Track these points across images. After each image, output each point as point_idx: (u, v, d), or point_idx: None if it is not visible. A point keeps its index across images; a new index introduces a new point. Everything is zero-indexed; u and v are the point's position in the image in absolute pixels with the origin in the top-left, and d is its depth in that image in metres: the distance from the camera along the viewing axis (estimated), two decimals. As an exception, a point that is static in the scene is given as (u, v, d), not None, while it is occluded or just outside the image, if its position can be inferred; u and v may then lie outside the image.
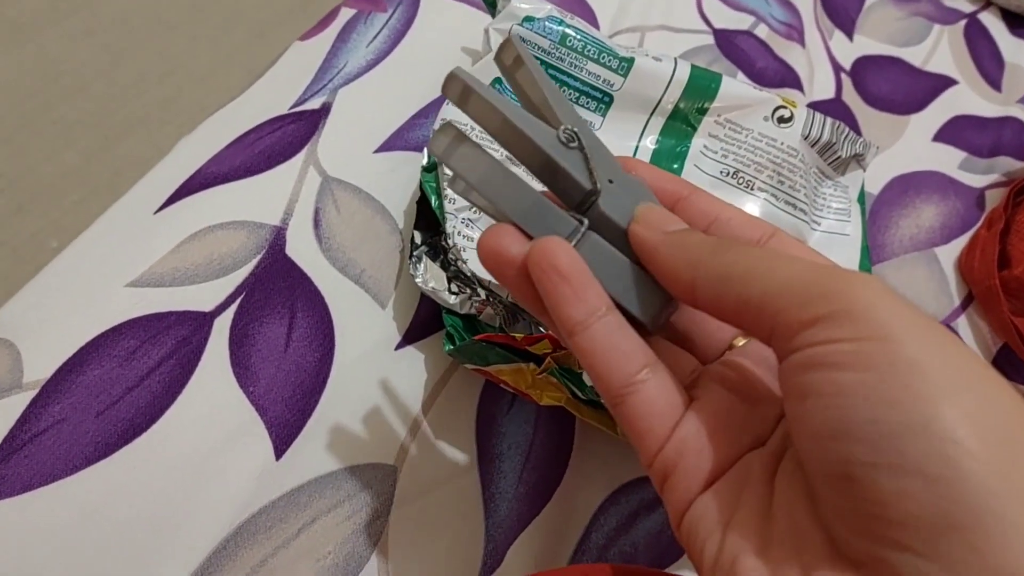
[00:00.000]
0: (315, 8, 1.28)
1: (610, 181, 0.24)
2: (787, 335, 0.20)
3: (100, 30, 1.20)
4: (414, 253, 0.39)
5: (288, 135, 0.45)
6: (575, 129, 0.24)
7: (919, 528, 0.17)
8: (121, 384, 0.36)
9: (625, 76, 0.43)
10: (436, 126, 0.40)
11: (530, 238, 0.23)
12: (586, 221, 0.23)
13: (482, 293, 0.37)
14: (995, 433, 0.17)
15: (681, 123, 0.45)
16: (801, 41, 0.59)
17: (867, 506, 0.18)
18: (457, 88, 0.23)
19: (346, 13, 0.51)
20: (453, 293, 0.38)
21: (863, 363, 0.18)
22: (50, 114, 1.11)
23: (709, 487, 0.22)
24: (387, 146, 0.45)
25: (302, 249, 0.41)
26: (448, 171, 0.26)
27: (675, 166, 0.44)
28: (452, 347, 0.37)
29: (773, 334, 0.20)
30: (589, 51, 0.43)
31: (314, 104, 0.46)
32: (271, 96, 0.47)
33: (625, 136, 0.44)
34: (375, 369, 0.40)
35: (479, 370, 0.38)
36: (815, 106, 0.56)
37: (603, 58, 0.43)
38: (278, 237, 0.41)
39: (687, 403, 0.24)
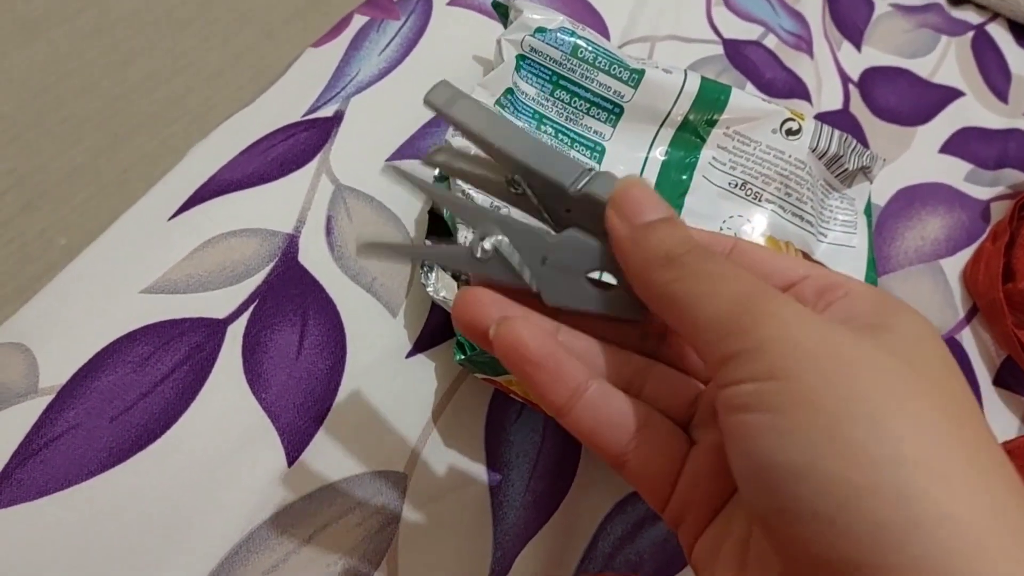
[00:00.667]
0: (324, 8, 1.29)
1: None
2: (711, 370, 0.20)
3: (110, 28, 1.21)
4: (425, 262, 0.39)
5: (301, 143, 0.45)
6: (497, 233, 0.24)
7: (822, 569, 0.17)
8: (135, 390, 0.37)
9: (636, 88, 0.44)
10: (449, 136, 0.41)
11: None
12: (596, 166, 0.23)
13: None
14: (892, 465, 0.16)
15: (690, 135, 0.45)
16: (809, 52, 0.60)
17: (784, 549, 0.18)
18: (445, 93, 0.24)
19: (359, 20, 0.52)
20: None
21: (763, 404, 0.18)
22: (59, 112, 1.12)
23: (711, 521, 0.23)
24: (399, 154, 0.46)
25: (314, 257, 0.42)
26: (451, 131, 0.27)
27: (684, 177, 0.45)
28: (463, 357, 0.37)
29: (707, 365, 0.21)
30: (600, 63, 0.43)
31: (327, 112, 0.47)
32: (284, 103, 0.47)
33: (635, 147, 0.45)
34: (386, 377, 0.40)
35: (489, 379, 0.38)
36: (823, 117, 0.57)
37: (614, 70, 0.43)
38: (291, 245, 0.42)
39: (687, 447, 0.24)
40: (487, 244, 0.23)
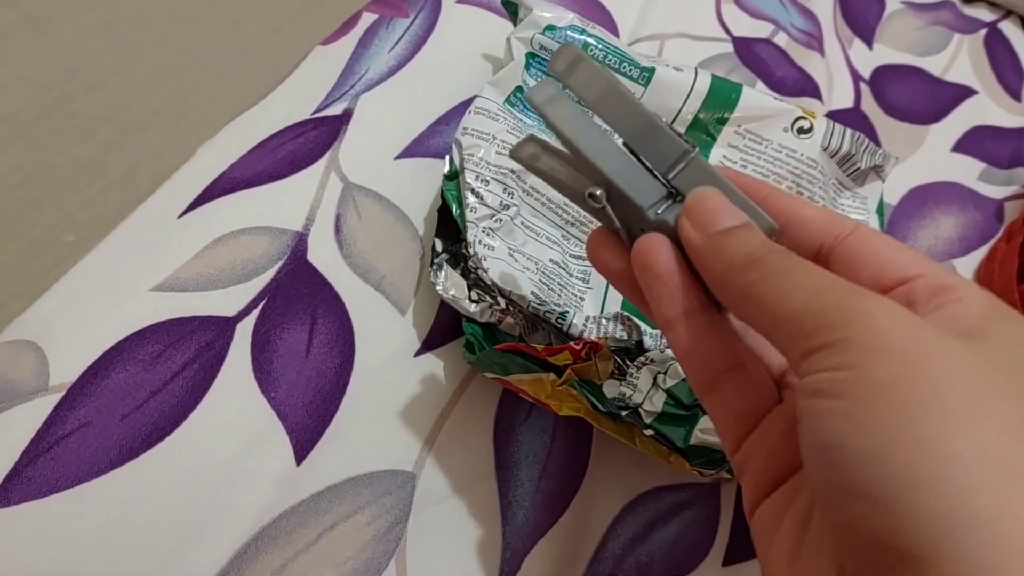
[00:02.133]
0: (331, 4, 1.28)
1: None
2: (793, 363, 0.20)
3: (117, 24, 1.21)
4: (435, 261, 0.39)
5: (310, 141, 0.45)
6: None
7: (875, 553, 0.17)
8: (145, 388, 0.37)
9: (646, 86, 0.43)
10: (459, 134, 0.40)
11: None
12: (696, 146, 0.24)
13: (502, 302, 0.38)
14: (958, 460, 0.16)
15: (701, 133, 0.45)
16: (820, 50, 0.59)
17: (841, 528, 0.18)
18: (568, 57, 0.24)
19: (367, 18, 0.51)
20: (473, 301, 0.38)
21: (840, 390, 0.18)
22: (67, 108, 1.12)
23: (776, 488, 0.23)
24: (408, 152, 0.46)
25: (323, 255, 0.42)
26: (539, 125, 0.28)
27: (695, 177, 0.45)
28: (472, 356, 0.37)
29: (788, 359, 0.21)
30: (610, 61, 0.43)
31: (336, 110, 0.46)
32: (293, 101, 0.47)
33: (646, 146, 0.45)
34: (394, 376, 0.40)
35: (498, 379, 0.38)
36: (834, 115, 0.57)
37: (624, 68, 0.43)
38: (300, 243, 0.42)
39: (774, 402, 0.24)
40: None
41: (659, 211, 0.24)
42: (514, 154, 0.28)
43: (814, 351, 0.19)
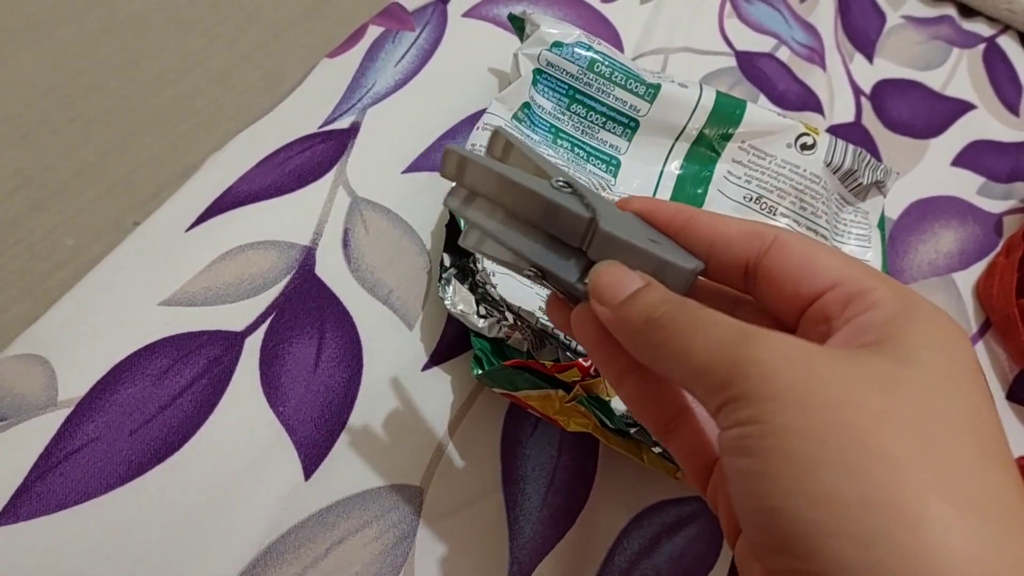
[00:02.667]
0: (331, 10, 1.29)
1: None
2: (712, 418, 0.20)
3: (118, 28, 1.21)
4: (443, 276, 0.39)
5: (318, 155, 0.45)
6: (567, 179, 0.25)
7: None
8: (154, 403, 0.37)
9: (651, 102, 0.44)
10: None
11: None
12: (596, 215, 0.23)
13: (510, 317, 0.38)
14: (857, 510, 0.16)
15: (706, 149, 0.45)
16: (822, 64, 0.60)
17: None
18: (453, 161, 0.24)
19: (373, 31, 0.52)
20: (481, 316, 0.38)
21: (745, 447, 0.18)
22: (68, 111, 1.12)
23: None
24: (415, 167, 0.46)
25: (331, 269, 0.42)
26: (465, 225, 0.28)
27: (699, 191, 0.45)
28: (480, 371, 0.38)
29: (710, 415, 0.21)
30: (616, 77, 0.43)
31: (343, 124, 0.47)
32: (300, 114, 0.47)
33: (650, 161, 0.45)
34: (402, 390, 0.41)
35: (506, 394, 0.38)
36: (835, 129, 0.57)
37: (630, 84, 0.43)
38: (308, 257, 0.42)
39: None
40: (563, 179, 0.25)
41: (584, 282, 0.25)
42: (462, 243, 0.28)
43: (722, 406, 0.19)
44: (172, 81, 1.18)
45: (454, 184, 0.25)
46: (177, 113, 1.15)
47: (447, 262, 0.40)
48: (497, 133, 0.26)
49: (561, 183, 0.24)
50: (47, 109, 1.12)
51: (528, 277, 0.27)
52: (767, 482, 0.18)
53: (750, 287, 0.24)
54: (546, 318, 0.37)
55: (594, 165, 0.44)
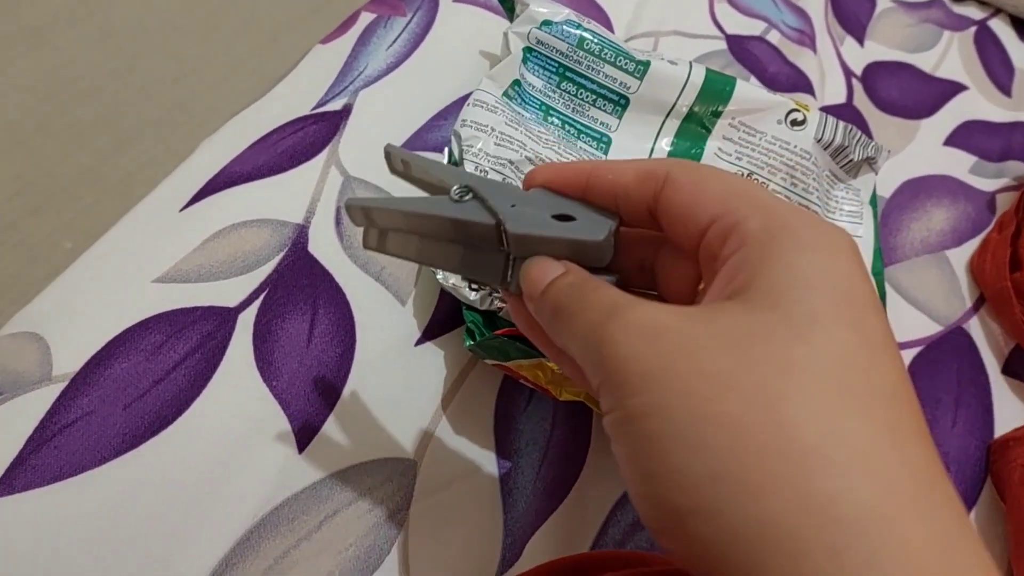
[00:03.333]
0: (327, 13, 1.29)
1: (512, 206, 0.24)
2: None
3: (115, 33, 1.22)
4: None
5: (310, 135, 0.45)
6: (464, 184, 0.25)
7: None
8: (148, 377, 0.37)
9: (641, 79, 0.44)
10: (458, 126, 0.41)
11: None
12: (502, 219, 0.24)
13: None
14: (706, 485, 0.16)
15: (696, 125, 0.46)
16: (812, 47, 0.60)
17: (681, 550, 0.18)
18: (358, 212, 0.26)
19: (366, 17, 0.52)
20: (473, 289, 0.38)
21: (615, 433, 0.18)
22: (65, 116, 1.13)
23: None
24: (407, 146, 0.46)
25: (324, 247, 0.42)
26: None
27: (690, 167, 0.45)
28: (472, 342, 0.38)
29: None
30: (606, 54, 0.43)
31: (335, 105, 0.47)
32: (293, 97, 0.48)
33: (641, 138, 0.45)
34: (395, 365, 0.41)
35: (499, 365, 0.38)
36: (827, 111, 0.57)
37: (620, 61, 0.44)
38: (301, 235, 0.42)
39: None
40: (462, 187, 0.25)
41: (510, 280, 0.25)
42: (365, 246, 0.29)
43: (597, 392, 0.19)
44: (169, 86, 1.19)
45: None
46: (174, 117, 1.16)
47: None
48: (389, 153, 0.27)
49: (460, 192, 0.25)
50: (44, 115, 1.13)
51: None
52: (634, 467, 0.18)
53: (659, 228, 0.23)
54: None
55: (585, 142, 0.44)
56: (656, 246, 0.25)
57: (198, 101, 1.18)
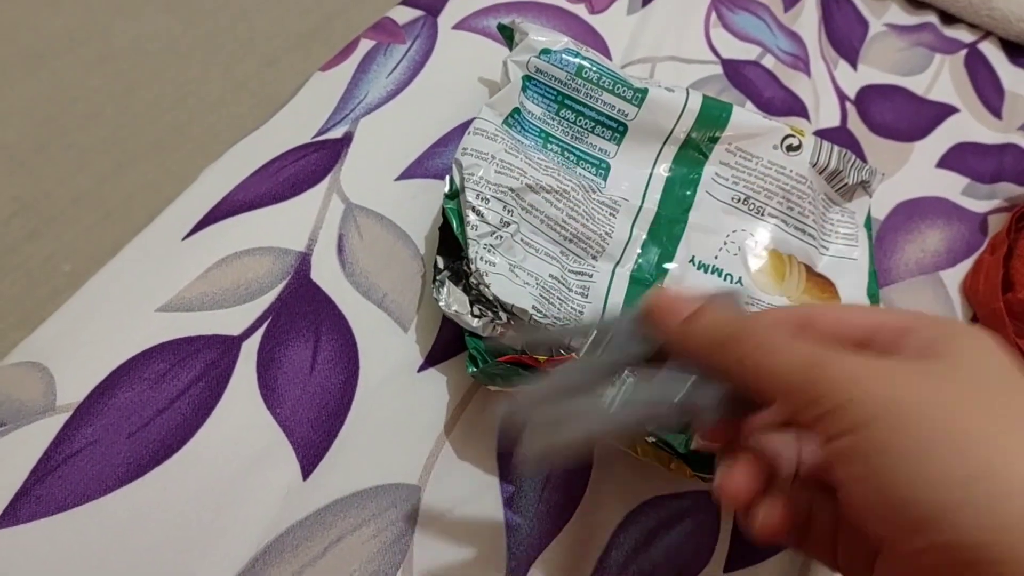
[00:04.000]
0: (326, 36, 1.30)
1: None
2: (804, 425, 0.23)
3: (114, 57, 1.23)
4: (437, 278, 0.40)
5: (312, 163, 0.46)
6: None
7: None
8: (152, 406, 0.37)
9: (639, 106, 0.45)
10: (459, 154, 0.41)
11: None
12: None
13: (503, 316, 0.39)
14: (966, 484, 0.19)
15: (693, 151, 0.46)
16: (807, 71, 0.61)
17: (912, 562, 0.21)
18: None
19: (365, 44, 0.53)
20: (476, 316, 0.39)
21: (859, 454, 0.21)
22: (64, 139, 1.13)
23: None
24: (408, 174, 0.47)
25: (326, 274, 0.43)
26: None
27: (687, 193, 0.46)
28: (475, 369, 0.38)
29: (797, 426, 0.25)
30: (604, 82, 0.44)
31: (336, 133, 0.47)
32: (294, 126, 0.48)
33: (639, 164, 0.46)
34: (398, 391, 0.41)
35: (501, 392, 0.39)
36: (821, 134, 0.58)
37: (618, 89, 0.44)
38: (303, 263, 0.43)
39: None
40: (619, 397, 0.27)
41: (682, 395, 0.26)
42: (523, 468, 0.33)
43: (818, 420, 0.22)
44: (167, 109, 1.19)
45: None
46: (173, 140, 1.17)
47: (441, 264, 0.41)
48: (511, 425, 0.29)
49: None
50: (44, 137, 1.13)
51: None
52: (889, 475, 0.20)
53: None
54: (539, 315, 0.38)
55: (584, 169, 0.45)
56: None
57: (197, 124, 1.19)
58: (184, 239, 0.43)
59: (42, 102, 1.17)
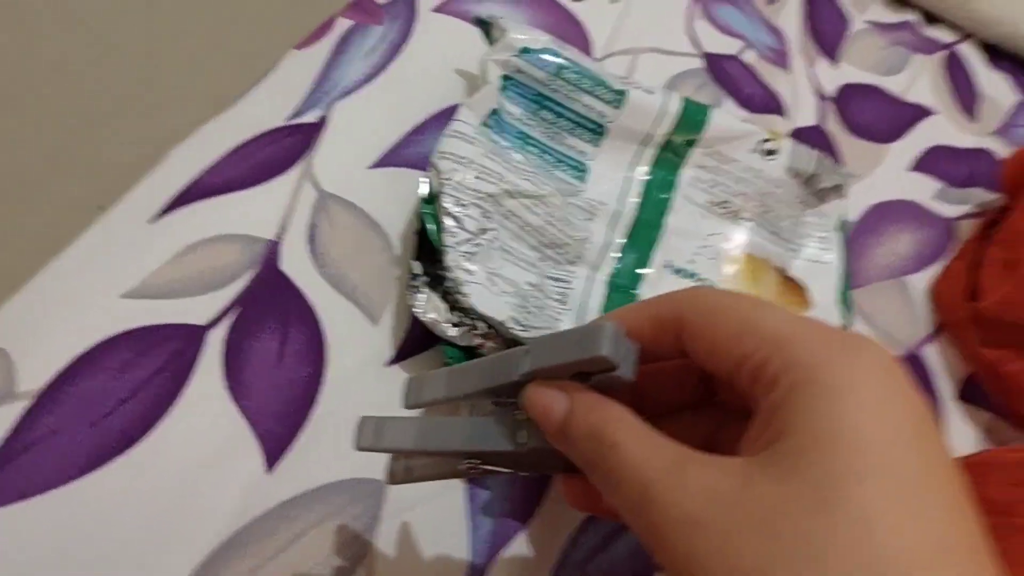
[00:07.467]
0: (300, 14, 1.28)
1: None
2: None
3: (80, 11, 1.19)
4: (412, 283, 0.39)
5: (284, 148, 0.45)
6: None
7: None
8: (115, 395, 0.37)
9: (618, 108, 0.44)
10: (436, 158, 0.41)
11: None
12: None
13: (482, 326, 0.38)
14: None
15: (672, 154, 0.46)
16: (787, 67, 0.61)
17: None
18: (369, 428, 0.30)
19: (342, 23, 0.52)
20: (455, 325, 0.39)
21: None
22: (29, 96, 1.10)
23: None
24: (383, 162, 0.46)
25: (296, 264, 0.42)
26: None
27: (665, 196, 0.46)
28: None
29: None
30: (584, 83, 0.44)
31: (311, 117, 0.47)
32: (267, 107, 0.47)
33: (618, 167, 0.46)
34: (366, 385, 0.41)
35: None
36: (798, 132, 0.58)
37: (597, 91, 0.44)
38: (272, 251, 0.42)
39: None
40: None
41: (521, 442, 0.26)
42: (390, 482, 0.32)
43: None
44: (138, 66, 1.16)
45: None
46: (143, 98, 1.14)
47: (417, 270, 0.40)
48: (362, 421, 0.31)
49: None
50: (7, 94, 1.10)
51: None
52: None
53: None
54: (517, 327, 0.38)
55: (562, 171, 0.45)
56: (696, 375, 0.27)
57: (169, 83, 1.16)
58: (151, 222, 0.42)
59: (6, 57, 1.13)
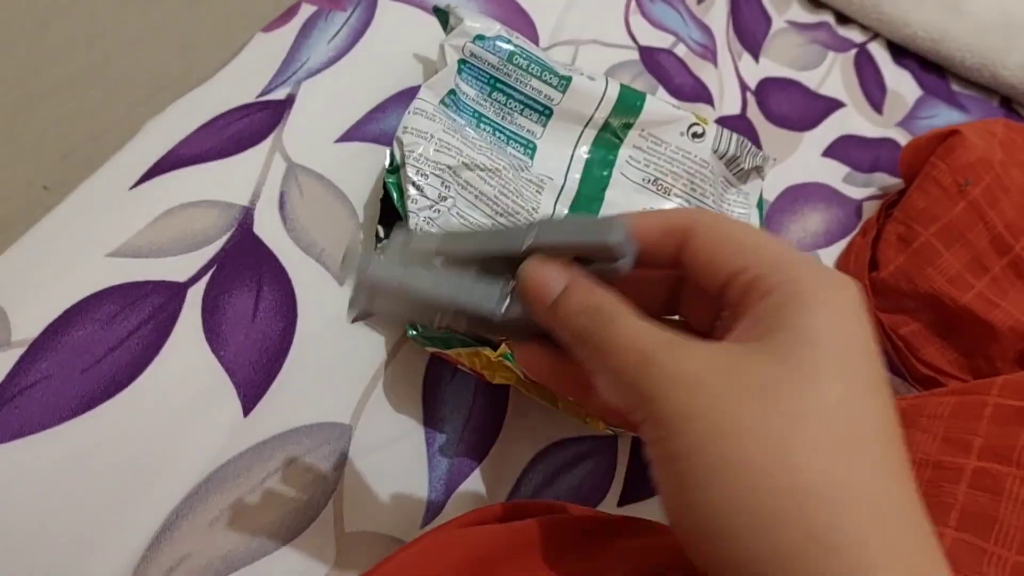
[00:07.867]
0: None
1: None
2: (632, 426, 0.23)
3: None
4: (378, 246, 0.43)
5: (256, 122, 0.49)
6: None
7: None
8: (103, 344, 0.40)
9: (563, 92, 0.49)
10: (400, 133, 0.45)
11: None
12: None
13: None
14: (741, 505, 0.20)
15: (610, 135, 0.51)
16: (714, 61, 0.67)
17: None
18: (362, 295, 0.28)
19: (307, 9, 0.55)
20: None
21: (656, 464, 0.22)
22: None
23: None
24: (347, 137, 0.50)
25: (268, 228, 0.46)
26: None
27: (605, 173, 0.51)
28: (415, 332, 0.42)
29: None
30: (533, 69, 0.48)
31: (279, 95, 0.50)
32: (237, 85, 0.50)
33: (563, 145, 0.50)
34: (333, 339, 0.45)
35: (439, 353, 0.43)
36: (723, 121, 0.64)
37: (545, 76, 0.48)
38: (247, 216, 0.46)
39: None
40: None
41: (503, 310, 0.26)
42: (351, 308, 0.30)
43: (638, 425, 0.22)
44: (82, 46, 1.16)
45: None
46: (87, 78, 1.14)
47: (382, 233, 0.44)
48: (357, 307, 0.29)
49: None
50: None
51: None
52: (673, 496, 0.21)
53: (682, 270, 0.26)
54: None
55: (513, 148, 0.49)
56: (678, 282, 0.28)
57: (113, 63, 1.17)
58: (131, 188, 0.45)
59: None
